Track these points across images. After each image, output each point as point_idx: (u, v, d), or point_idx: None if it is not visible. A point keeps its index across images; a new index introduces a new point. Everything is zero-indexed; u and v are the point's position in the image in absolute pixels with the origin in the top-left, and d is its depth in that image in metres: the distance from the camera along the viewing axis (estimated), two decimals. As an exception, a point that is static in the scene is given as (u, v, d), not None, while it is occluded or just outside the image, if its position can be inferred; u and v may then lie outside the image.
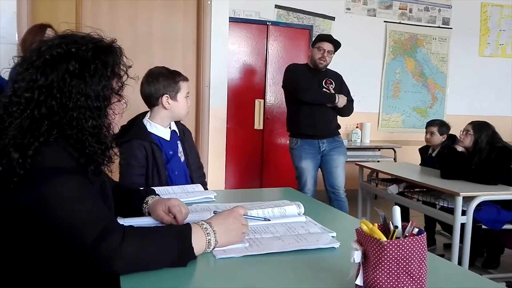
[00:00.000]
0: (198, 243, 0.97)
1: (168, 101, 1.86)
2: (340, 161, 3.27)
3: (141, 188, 1.36)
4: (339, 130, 3.36)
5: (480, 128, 2.92)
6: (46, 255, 0.96)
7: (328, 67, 3.33)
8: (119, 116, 1.09)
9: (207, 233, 0.99)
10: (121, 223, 0.97)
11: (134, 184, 1.76)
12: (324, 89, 3.26)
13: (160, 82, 1.87)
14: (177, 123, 2.00)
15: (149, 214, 1.25)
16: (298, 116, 3.25)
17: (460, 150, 2.97)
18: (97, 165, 1.00)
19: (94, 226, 0.89)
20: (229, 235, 1.03)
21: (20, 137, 0.92)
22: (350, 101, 3.33)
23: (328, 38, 3.29)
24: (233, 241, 1.05)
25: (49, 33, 2.37)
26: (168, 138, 1.91)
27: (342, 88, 3.33)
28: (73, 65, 0.94)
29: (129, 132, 1.83)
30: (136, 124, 1.88)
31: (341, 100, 3.20)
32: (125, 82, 1.06)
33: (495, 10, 5.74)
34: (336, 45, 3.26)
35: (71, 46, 0.96)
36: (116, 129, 1.08)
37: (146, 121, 1.89)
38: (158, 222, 1.21)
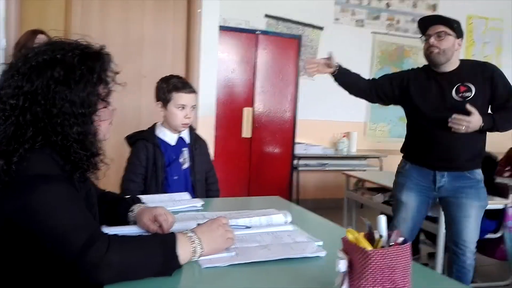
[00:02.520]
0: (183, 251, 0.97)
1: (161, 109, 1.92)
2: (470, 208, 2.13)
3: (127, 197, 1.36)
4: (477, 162, 2.16)
5: None
6: (31, 264, 0.95)
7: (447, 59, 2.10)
8: (109, 123, 1.08)
9: (192, 241, 0.99)
10: (106, 232, 0.97)
11: (132, 182, 1.88)
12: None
13: (158, 88, 1.94)
14: (191, 132, 2.03)
15: (135, 223, 1.24)
16: (412, 131, 2.32)
17: None
18: (82, 172, 0.99)
19: (79, 235, 0.88)
20: (214, 242, 1.03)
21: (4, 144, 0.91)
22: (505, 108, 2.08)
23: (428, 19, 2.19)
24: (219, 248, 1.04)
25: (40, 38, 2.36)
26: (173, 143, 1.96)
27: (494, 87, 2.07)
28: (58, 72, 0.93)
29: (140, 134, 1.97)
30: (150, 127, 2.00)
31: (472, 123, 1.95)
32: (111, 89, 1.05)
33: (480, 23, 5.88)
34: (448, 22, 2.08)
35: (57, 52, 0.96)
36: (106, 136, 1.07)
37: (157, 125, 1.99)
38: (143, 231, 1.20)
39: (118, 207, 1.26)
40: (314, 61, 2.43)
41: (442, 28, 2.07)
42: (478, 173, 2.17)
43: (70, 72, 0.94)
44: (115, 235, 0.97)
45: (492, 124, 2.04)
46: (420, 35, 2.18)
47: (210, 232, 1.03)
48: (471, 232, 2.17)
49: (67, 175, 0.95)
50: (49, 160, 0.93)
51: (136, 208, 1.26)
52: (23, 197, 0.88)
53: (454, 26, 2.08)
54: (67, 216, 0.90)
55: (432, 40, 2.08)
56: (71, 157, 0.95)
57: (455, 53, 2.10)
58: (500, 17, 5.99)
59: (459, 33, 2.11)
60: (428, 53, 2.13)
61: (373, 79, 2.49)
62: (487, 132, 2.14)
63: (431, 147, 2.17)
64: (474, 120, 1.95)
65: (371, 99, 2.56)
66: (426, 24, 2.15)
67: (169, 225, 1.19)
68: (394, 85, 2.33)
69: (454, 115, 1.96)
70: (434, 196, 2.23)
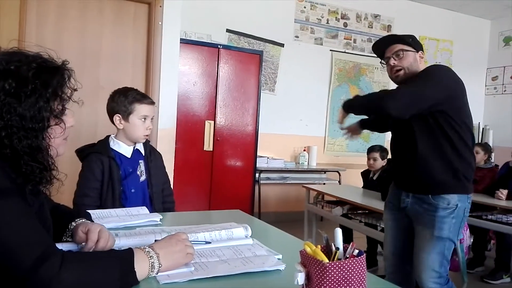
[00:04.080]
0: (141, 267, 0.95)
1: (120, 122, 1.88)
2: (423, 238, 1.92)
3: (76, 210, 1.30)
4: (446, 187, 1.90)
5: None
6: None
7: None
8: (63, 139, 1.04)
9: (150, 256, 0.97)
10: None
11: (86, 197, 1.82)
12: None
13: (115, 101, 1.89)
14: (146, 144, 2.01)
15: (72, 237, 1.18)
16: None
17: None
18: (34, 185, 0.95)
19: (31, 250, 0.84)
20: (173, 257, 1.01)
21: None
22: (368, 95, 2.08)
23: (382, 41, 2.11)
24: (177, 263, 1.03)
25: None
26: (128, 156, 1.93)
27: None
28: (9, 84, 0.90)
29: (92, 147, 1.90)
30: (102, 140, 1.95)
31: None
32: (66, 106, 1.01)
33: (431, 44, 6.22)
34: (401, 39, 2.02)
35: (12, 64, 0.92)
36: (60, 152, 1.03)
37: (111, 138, 1.94)
38: (76, 247, 1.14)
39: (62, 220, 1.20)
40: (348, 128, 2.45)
41: (398, 46, 2.00)
42: (446, 199, 1.87)
43: (21, 85, 0.91)
44: (70, 251, 0.93)
45: (350, 101, 2.09)
46: (378, 59, 2.13)
47: (168, 247, 1.02)
48: (424, 267, 1.90)
49: (19, 188, 0.91)
50: (0, 173, 0.89)
51: (78, 221, 1.20)
52: None
53: (409, 41, 2.01)
54: (17, 232, 0.86)
55: (392, 61, 2.00)
56: (22, 169, 0.92)
57: (420, 66, 2.00)
58: (450, 39, 6.38)
59: (417, 47, 2.03)
60: (394, 77, 2.02)
61: None
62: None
63: (396, 164, 2.11)
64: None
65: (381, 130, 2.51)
66: (381, 47, 2.07)
67: (106, 243, 1.12)
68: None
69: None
70: (404, 216, 2.03)
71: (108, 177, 1.84)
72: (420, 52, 2.04)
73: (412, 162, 1.93)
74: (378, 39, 2.16)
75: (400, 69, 1.99)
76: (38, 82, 0.93)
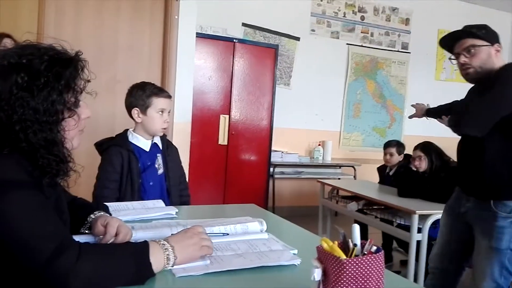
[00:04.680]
0: (156, 259, 0.95)
1: (139, 115, 1.91)
2: (482, 247, 1.84)
3: (94, 202, 1.32)
4: (506, 191, 1.79)
5: (427, 148, 3.10)
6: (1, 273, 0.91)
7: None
8: (78, 131, 1.04)
9: (165, 249, 0.98)
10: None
11: (106, 189, 1.85)
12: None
13: (133, 95, 1.92)
14: (162, 138, 2.04)
15: (90, 229, 1.20)
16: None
17: (415, 169, 3.09)
18: (51, 177, 0.96)
19: (48, 242, 0.85)
20: (188, 250, 1.02)
21: None
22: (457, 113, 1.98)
23: (451, 36, 1.89)
24: (193, 256, 1.03)
25: (6, 42, 2.28)
26: (147, 149, 1.96)
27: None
28: (21, 77, 0.90)
29: (111, 140, 1.93)
30: (121, 134, 1.97)
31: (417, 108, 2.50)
32: (80, 98, 1.00)
33: (449, 38, 6.09)
34: (472, 33, 1.82)
35: (24, 57, 0.92)
36: (75, 144, 1.03)
37: (129, 131, 1.97)
38: (95, 239, 1.16)
39: (80, 212, 1.22)
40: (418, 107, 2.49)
41: (468, 42, 1.78)
42: (508, 206, 1.76)
43: (34, 79, 0.91)
44: (87, 243, 0.94)
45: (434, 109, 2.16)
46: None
47: (183, 241, 1.02)
48: (483, 277, 1.81)
49: (36, 181, 0.92)
50: (17, 166, 0.90)
51: (97, 213, 1.22)
52: None
53: (481, 34, 1.79)
54: (35, 224, 0.87)
55: (463, 58, 1.81)
56: (38, 162, 0.92)
57: (495, 62, 1.79)
58: (469, 32, 6.23)
59: (491, 39, 1.80)
60: (464, 74, 1.85)
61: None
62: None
63: (462, 167, 1.97)
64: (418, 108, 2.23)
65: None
66: (449, 42, 1.87)
67: (125, 238, 1.13)
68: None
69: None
70: (461, 223, 1.94)
71: (127, 170, 1.87)
72: (496, 45, 1.81)
73: (479, 165, 1.82)
74: (446, 34, 1.91)
75: (471, 68, 1.80)
76: (50, 75, 0.93)
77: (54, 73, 0.93)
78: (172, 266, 0.99)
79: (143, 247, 0.95)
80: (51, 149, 0.94)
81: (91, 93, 1.03)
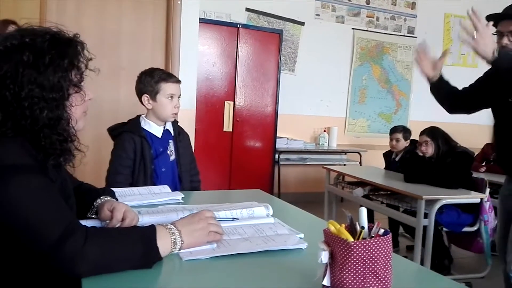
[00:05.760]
0: (163, 243, 0.95)
1: (149, 101, 1.91)
2: None
3: (101, 188, 1.32)
4: None
5: (434, 134, 3.06)
6: (5, 258, 0.92)
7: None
8: (83, 111, 1.05)
9: (172, 233, 0.98)
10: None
11: (119, 174, 1.86)
12: None
13: (142, 81, 1.92)
14: (175, 124, 2.05)
15: (96, 214, 1.20)
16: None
17: (421, 154, 3.07)
18: (55, 158, 0.96)
19: (55, 226, 0.85)
20: (195, 235, 1.02)
21: None
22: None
23: (494, 14, 1.81)
24: (200, 241, 1.03)
25: (12, 28, 2.27)
26: (159, 135, 1.97)
27: None
28: (27, 56, 0.91)
29: (124, 126, 1.93)
30: (133, 120, 1.97)
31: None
32: (84, 75, 1.02)
33: (457, 21, 6.00)
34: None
35: (27, 37, 0.93)
36: (80, 125, 1.03)
37: (142, 118, 1.97)
38: (101, 224, 1.16)
39: (86, 197, 1.22)
40: (427, 55, 1.99)
41: None
42: None
43: (39, 56, 0.92)
44: (93, 227, 0.94)
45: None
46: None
47: (190, 225, 1.02)
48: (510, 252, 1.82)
49: (40, 165, 0.92)
50: (21, 150, 0.90)
51: (102, 199, 1.22)
52: None
53: None
54: (41, 208, 0.87)
55: (505, 40, 1.73)
56: (42, 142, 0.92)
57: None
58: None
59: None
60: (500, 48, 1.72)
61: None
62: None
63: (504, 150, 1.91)
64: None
65: (455, 107, 2.11)
66: (495, 19, 1.77)
67: (131, 223, 1.13)
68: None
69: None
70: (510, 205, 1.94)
71: (140, 156, 1.88)
72: None
73: None
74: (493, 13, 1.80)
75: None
76: (54, 52, 0.94)
77: (58, 51, 0.94)
78: (179, 250, 0.99)
79: (151, 231, 0.95)
80: (55, 127, 0.94)
81: (94, 70, 1.04)
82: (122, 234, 0.94)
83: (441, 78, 2.01)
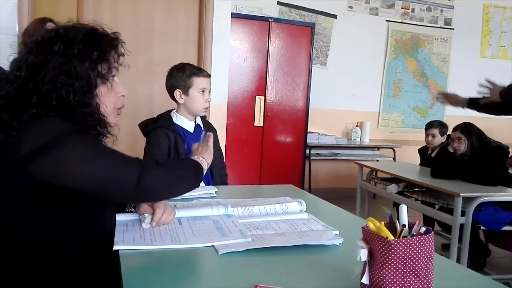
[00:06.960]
0: (202, 164, 1.21)
1: (181, 96, 1.92)
2: None
3: None
4: None
5: (468, 130, 2.94)
6: (45, 255, 0.95)
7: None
8: (116, 109, 1.08)
9: (201, 160, 1.22)
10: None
11: None
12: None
13: (173, 77, 1.93)
14: (203, 119, 2.06)
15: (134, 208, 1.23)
16: None
17: (451, 150, 2.98)
18: (93, 127, 1.01)
19: (130, 168, 0.96)
20: (208, 154, 1.29)
21: (10, 105, 0.94)
22: None
23: None
24: (212, 157, 1.30)
25: (49, 26, 2.35)
26: (191, 131, 1.98)
27: None
28: (58, 45, 0.97)
29: (156, 122, 1.95)
30: (164, 115, 1.99)
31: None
32: (114, 70, 1.05)
33: (497, 12, 5.73)
34: None
35: (63, 28, 1.01)
36: (110, 119, 1.06)
37: (173, 113, 1.98)
38: (140, 217, 1.18)
39: None
40: (444, 94, 2.28)
41: None
42: None
43: (69, 47, 0.98)
44: (156, 160, 1.07)
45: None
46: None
47: (205, 152, 1.28)
48: None
49: (84, 132, 0.98)
50: (64, 123, 0.95)
51: None
52: (51, 157, 0.89)
53: None
54: (109, 157, 0.96)
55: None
56: (76, 119, 0.97)
57: None
58: (519, 6, 5.85)
59: None
60: None
61: None
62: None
63: None
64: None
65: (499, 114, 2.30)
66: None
67: (168, 217, 1.17)
68: None
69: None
70: None
71: (174, 151, 1.88)
72: None
73: None
74: None
75: None
76: (85, 44, 0.99)
77: (89, 43, 1.00)
78: (207, 167, 1.22)
79: (194, 159, 1.20)
80: (83, 110, 0.98)
81: (125, 66, 1.08)
82: (177, 162, 1.30)
83: (469, 103, 2.27)
